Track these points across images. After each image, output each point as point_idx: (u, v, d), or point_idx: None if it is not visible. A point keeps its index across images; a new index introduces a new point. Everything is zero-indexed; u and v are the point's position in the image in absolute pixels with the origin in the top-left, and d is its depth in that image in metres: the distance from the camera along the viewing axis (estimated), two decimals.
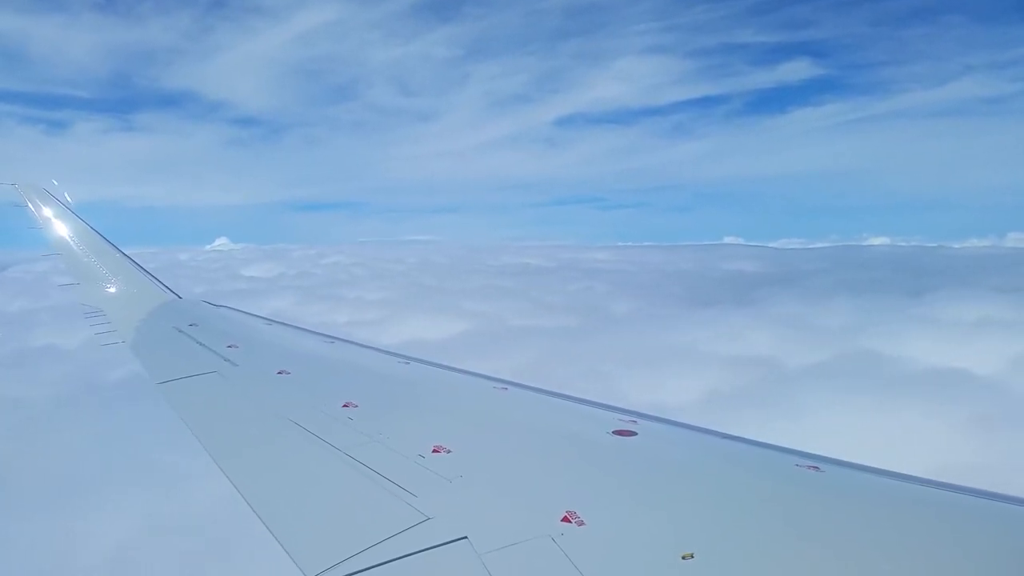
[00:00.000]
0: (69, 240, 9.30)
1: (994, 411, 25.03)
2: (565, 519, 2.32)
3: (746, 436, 3.27)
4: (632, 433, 3.22)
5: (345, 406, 3.81)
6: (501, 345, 39.72)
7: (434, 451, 3.06)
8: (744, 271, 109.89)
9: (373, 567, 2.21)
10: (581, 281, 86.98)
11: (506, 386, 4.31)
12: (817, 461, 2.82)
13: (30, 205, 9.54)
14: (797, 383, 30.06)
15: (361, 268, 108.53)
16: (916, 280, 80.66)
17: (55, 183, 10.15)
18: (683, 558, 2.05)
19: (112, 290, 8.54)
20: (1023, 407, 25.44)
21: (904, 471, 2.74)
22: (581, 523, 2.30)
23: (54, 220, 9.52)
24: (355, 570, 2.21)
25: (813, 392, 27.59)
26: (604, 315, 56.46)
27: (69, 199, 10.05)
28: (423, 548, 2.27)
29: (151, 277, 9.01)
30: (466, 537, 2.29)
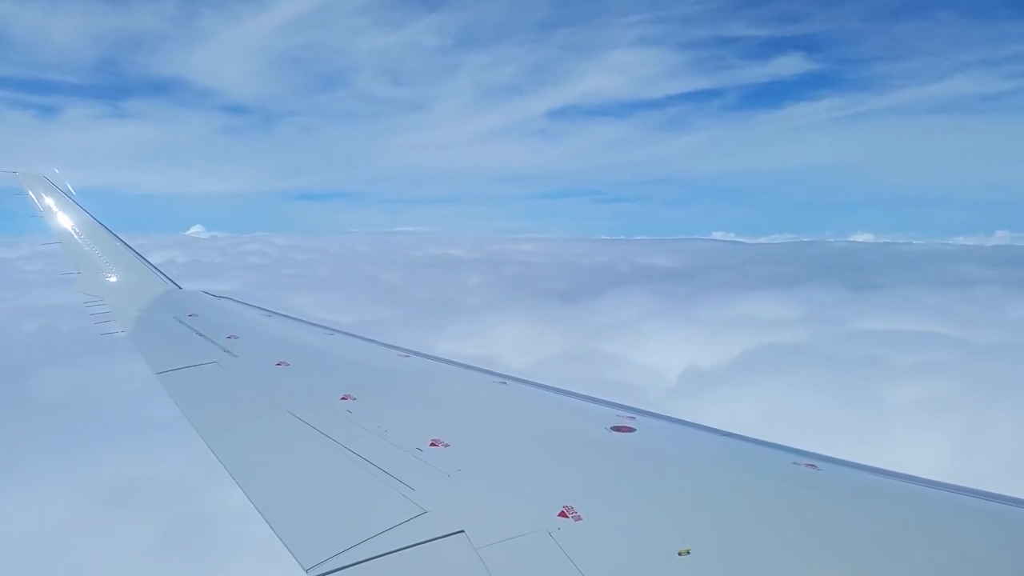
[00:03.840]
0: (70, 229, 9.27)
1: None
2: (562, 514, 2.33)
3: (743, 434, 3.26)
4: (630, 429, 3.22)
5: (343, 399, 3.84)
6: None
7: (432, 445, 3.07)
8: (656, 265, 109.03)
9: (370, 559, 2.23)
10: (463, 275, 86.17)
11: (505, 380, 4.32)
12: (814, 459, 2.83)
13: (31, 193, 9.46)
14: None
15: (260, 257, 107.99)
16: (804, 273, 79.75)
17: (56, 171, 10.11)
18: (680, 554, 2.06)
19: (112, 279, 8.52)
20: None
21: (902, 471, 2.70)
22: (578, 518, 2.32)
23: (55, 209, 9.44)
24: (352, 562, 2.23)
25: None
26: (422, 308, 55.35)
27: (71, 189, 9.97)
28: (420, 541, 2.29)
29: (151, 267, 8.95)
30: (463, 531, 2.32)
